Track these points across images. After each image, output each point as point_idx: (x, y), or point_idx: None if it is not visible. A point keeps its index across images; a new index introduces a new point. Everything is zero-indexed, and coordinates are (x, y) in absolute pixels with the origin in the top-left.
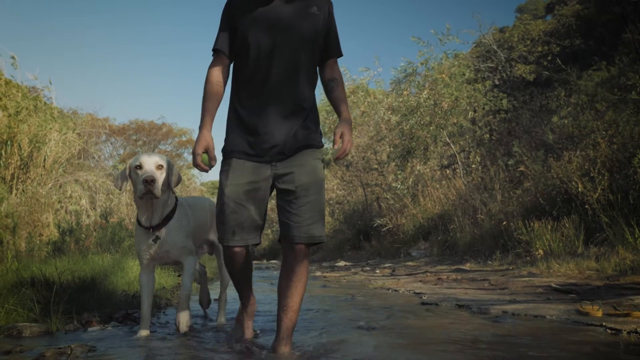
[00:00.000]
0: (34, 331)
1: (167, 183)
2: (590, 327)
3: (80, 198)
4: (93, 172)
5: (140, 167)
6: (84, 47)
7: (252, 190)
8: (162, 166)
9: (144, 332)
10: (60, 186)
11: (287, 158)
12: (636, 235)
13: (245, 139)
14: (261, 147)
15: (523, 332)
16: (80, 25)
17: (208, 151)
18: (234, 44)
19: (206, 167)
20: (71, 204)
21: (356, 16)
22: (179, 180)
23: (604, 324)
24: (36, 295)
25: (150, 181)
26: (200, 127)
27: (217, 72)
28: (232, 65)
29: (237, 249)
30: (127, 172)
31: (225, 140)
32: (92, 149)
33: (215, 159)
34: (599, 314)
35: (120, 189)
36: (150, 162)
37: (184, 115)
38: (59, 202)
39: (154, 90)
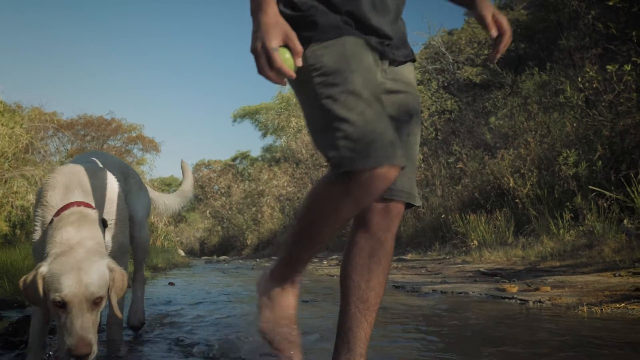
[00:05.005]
0: (8, 304)
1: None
2: (504, 299)
3: (27, 193)
4: (40, 167)
5: (63, 305)
6: (25, 36)
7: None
8: (100, 298)
9: None
10: (5, 181)
11: (395, 65)
12: (559, 226)
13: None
14: (372, 35)
15: (446, 303)
16: (19, 14)
17: (289, 42)
18: None
19: (290, 71)
20: (18, 200)
21: None
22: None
23: (515, 296)
24: (5, 275)
25: (83, 356)
26: (261, 5)
27: None
28: None
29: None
30: (41, 293)
31: (306, 16)
32: (38, 144)
33: (301, 53)
34: (514, 289)
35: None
36: (81, 300)
37: (133, 111)
38: (5, 197)
39: (103, 85)
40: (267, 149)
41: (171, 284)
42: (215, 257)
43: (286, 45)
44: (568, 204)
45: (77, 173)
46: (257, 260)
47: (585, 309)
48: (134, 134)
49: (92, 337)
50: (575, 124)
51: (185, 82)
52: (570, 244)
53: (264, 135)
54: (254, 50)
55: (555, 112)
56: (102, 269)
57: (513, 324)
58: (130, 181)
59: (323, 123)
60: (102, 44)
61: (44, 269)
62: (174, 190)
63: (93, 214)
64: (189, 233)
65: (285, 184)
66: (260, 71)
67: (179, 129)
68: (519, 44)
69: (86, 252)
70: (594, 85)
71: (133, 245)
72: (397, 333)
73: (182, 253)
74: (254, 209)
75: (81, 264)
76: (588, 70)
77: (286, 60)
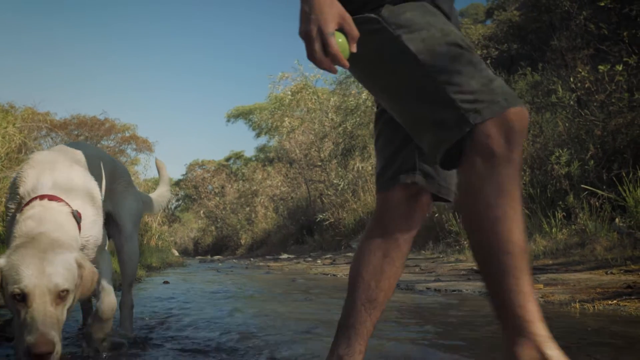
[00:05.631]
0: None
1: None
2: None
3: None
4: None
5: (23, 299)
6: (17, 37)
7: None
8: (66, 292)
9: None
10: None
11: None
12: (552, 225)
13: None
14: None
15: (440, 300)
16: (12, 15)
17: (345, 26)
18: None
19: (344, 60)
20: None
21: None
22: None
23: None
24: None
25: (45, 355)
26: None
27: None
28: None
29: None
30: None
31: None
32: (31, 144)
33: (357, 38)
34: None
35: None
36: (44, 292)
37: (127, 111)
38: None
39: (96, 85)
40: (261, 149)
41: (166, 282)
42: (209, 256)
43: (340, 29)
44: (560, 202)
45: (50, 163)
46: (251, 259)
47: (577, 306)
48: (127, 134)
49: (55, 334)
50: (567, 124)
51: (179, 82)
52: (562, 242)
53: (258, 135)
54: (306, 34)
55: (548, 112)
56: (69, 260)
57: None
58: (118, 180)
59: (424, 83)
60: (95, 45)
61: (1, 261)
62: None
63: (59, 206)
64: (183, 233)
65: (279, 184)
66: (312, 57)
67: (173, 129)
68: (511, 45)
69: (51, 242)
70: (586, 86)
71: (120, 262)
72: (391, 329)
73: (175, 253)
74: (247, 208)
75: (44, 254)
76: (580, 70)
77: (340, 45)
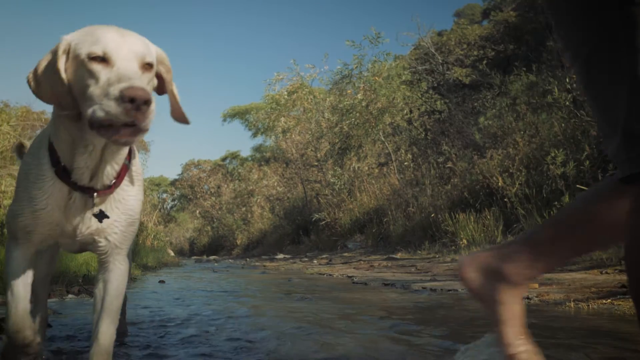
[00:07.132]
0: (1, 301)
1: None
2: None
3: None
4: None
5: (105, 59)
6: (12, 36)
7: None
8: (151, 65)
9: None
10: None
11: None
12: None
13: None
14: None
15: (436, 300)
16: (10, 14)
17: None
18: None
19: None
20: (6, 199)
21: (310, 15)
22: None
23: None
24: None
25: (141, 103)
26: None
27: None
28: None
29: None
30: (63, 61)
31: None
32: (26, 143)
33: None
34: None
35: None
36: (129, 55)
37: None
38: None
39: None
40: (257, 149)
41: (161, 281)
42: (205, 256)
43: None
44: (556, 203)
45: None
46: (247, 259)
47: (572, 305)
48: None
49: (150, 95)
50: (563, 124)
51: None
52: None
53: (254, 135)
54: None
55: (544, 113)
56: (148, 42)
57: None
58: None
59: None
60: None
61: (68, 36)
62: (164, 191)
63: None
64: (179, 233)
65: (275, 184)
66: None
67: (169, 128)
68: (508, 45)
69: None
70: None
71: None
72: (389, 326)
73: (171, 253)
74: (243, 208)
75: (122, 30)
76: None
77: None
